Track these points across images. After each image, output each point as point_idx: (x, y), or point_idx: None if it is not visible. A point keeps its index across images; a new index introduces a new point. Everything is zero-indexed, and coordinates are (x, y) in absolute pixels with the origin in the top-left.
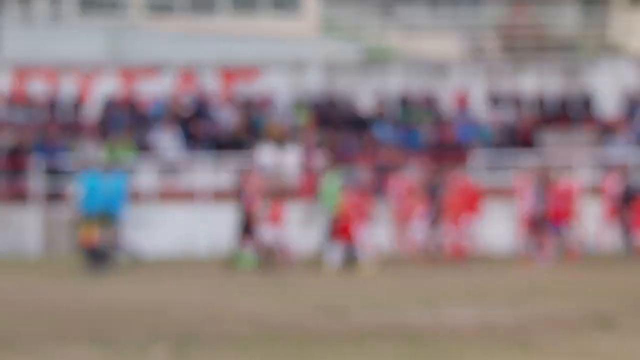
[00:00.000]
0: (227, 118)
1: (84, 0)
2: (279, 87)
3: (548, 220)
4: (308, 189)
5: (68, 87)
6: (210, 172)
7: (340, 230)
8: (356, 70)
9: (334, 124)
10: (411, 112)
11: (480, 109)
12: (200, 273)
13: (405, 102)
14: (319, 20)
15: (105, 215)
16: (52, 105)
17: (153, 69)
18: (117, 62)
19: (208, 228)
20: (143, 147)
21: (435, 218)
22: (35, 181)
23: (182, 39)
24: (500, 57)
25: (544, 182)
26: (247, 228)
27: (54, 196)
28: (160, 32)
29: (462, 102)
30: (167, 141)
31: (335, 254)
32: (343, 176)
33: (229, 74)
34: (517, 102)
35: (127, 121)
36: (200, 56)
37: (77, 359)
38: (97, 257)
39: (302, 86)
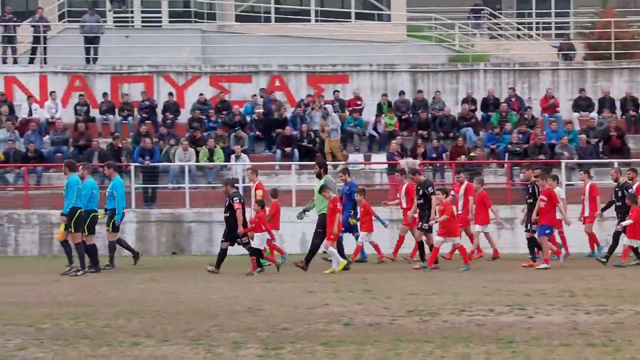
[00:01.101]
0: (316, 122)
1: (177, 7)
2: (367, 91)
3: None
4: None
5: (162, 92)
6: (297, 175)
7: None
8: (444, 74)
9: (422, 127)
10: (499, 115)
11: (568, 112)
12: (287, 273)
13: (493, 106)
14: (407, 25)
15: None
16: (147, 109)
17: (244, 74)
18: (209, 67)
19: (294, 229)
20: (233, 151)
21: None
22: (133, 183)
23: (272, 43)
24: (589, 60)
25: (625, 186)
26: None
27: (149, 197)
28: (251, 37)
29: (551, 106)
30: (257, 144)
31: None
32: (328, 180)
33: (318, 78)
34: (605, 105)
35: (220, 125)
36: (290, 61)
37: (173, 355)
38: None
39: (390, 90)
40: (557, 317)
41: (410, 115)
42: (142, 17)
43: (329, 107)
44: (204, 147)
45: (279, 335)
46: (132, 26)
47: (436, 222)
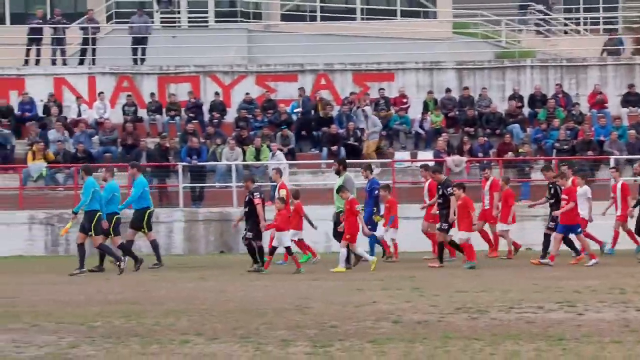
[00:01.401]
0: (361, 120)
1: (223, 7)
2: (413, 89)
3: None
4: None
5: (209, 91)
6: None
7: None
8: (490, 70)
9: (468, 124)
10: (547, 111)
11: (617, 108)
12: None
13: (540, 102)
14: (453, 22)
15: None
16: (194, 109)
17: (290, 73)
18: (255, 66)
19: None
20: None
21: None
22: (180, 182)
23: (318, 42)
24: (637, 55)
25: None
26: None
27: (197, 197)
28: (297, 36)
29: (599, 101)
30: (304, 143)
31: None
32: (346, 179)
33: (364, 76)
34: None
35: (266, 124)
36: (335, 59)
37: (222, 353)
38: None
39: (436, 87)
40: (607, 314)
41: (457, 112)
42: (189, 17)
43: (368, 109)
44: (250, 146)
45: (328, 333)
46: (179, 26)
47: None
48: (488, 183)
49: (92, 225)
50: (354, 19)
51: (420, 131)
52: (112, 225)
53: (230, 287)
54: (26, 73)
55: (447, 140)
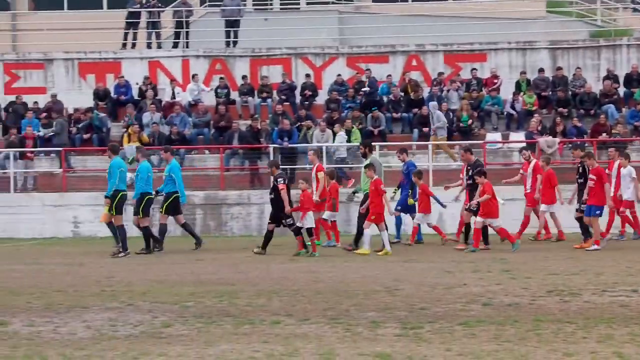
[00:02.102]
0: (453, 102)
1: None
2: (505, 69)
3: None
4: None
5: (300, 73)
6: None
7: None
8: (585, 50)
9: (562, 105)
10: None
11: None
12: (424, 253)
13: (637, 81)
14: (547, 1)
15: None
16: (286, 90)
17: (381, 54)
18: (346, 48)
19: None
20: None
21: None
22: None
23: (409, 23)
24: None
25: None
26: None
27: (288, 178)
28: (388, 17)
29: None
30: (395, 124)
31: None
32: (373, 160)
33: (455, 57)
34: None
35: (357, 105)
36: (427, 40)
37: (313, 334)
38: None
39: (529, 67)
40: None
41: (550, 92)
42: (281, 0)
43: (433, 104)
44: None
45: (418, 315)
46: (271, 9)
47: (478, 203)
48: (531, 165)
49: (114, 204)
50: None
51: (512, 112)
52: (142, 206)
53: (321, 268)
54: (122, 57)
55: (540, 121)
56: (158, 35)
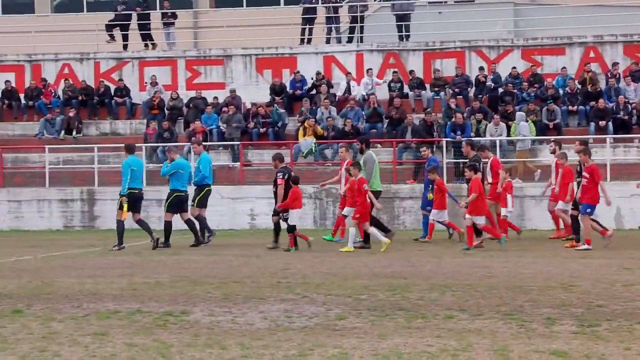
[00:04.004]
0: (633, 95)
1: None
2: None
3: None
4: None
5: (474, 66)
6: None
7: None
8: None
9: None
10: None
11: None
12: (601, 249)
13: None
14: None
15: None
16: (460, 83)
17: (557, 46)
18: (521, 40)
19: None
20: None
21: None
22: (444, 158)
23: (587, 14)
24: None
25: None
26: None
27: (461, 172)
28: (565, 8)
29: None
30: (571, 118)
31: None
32: (366, 158)
33: (636, 48)
34: None
35: (532, 98)
36: (605, 31)
37: (487, 329)
38: None
39: None
40: None
41: None
42: None
43: (521, 114)
44: (515, 122)
45: (595, 312)
46: (445, 2)
47: (466, 203)
48: (554, 161)
49: (127, 202)
50: None
51: None
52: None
53: (495, 263)
54: (298, 52)
55: None
56: (336, 30)
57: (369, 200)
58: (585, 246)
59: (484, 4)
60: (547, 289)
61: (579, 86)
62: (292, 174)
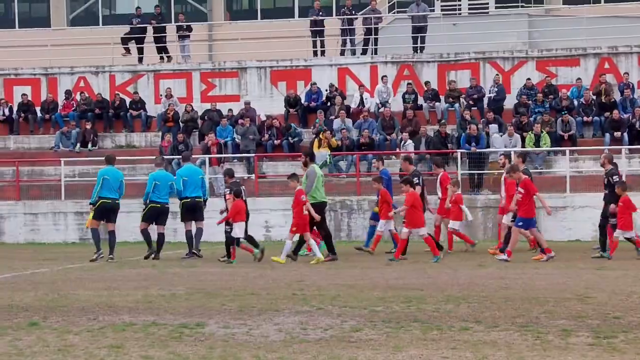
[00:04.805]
0: None
1: None
2: None
3: None
4: None
5: (488, 78)
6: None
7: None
8: None
9: None
10: None
11: None
12: (617, 260)
13: None
14: None
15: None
16: (474, 95)
17: (571, 57)
18: (535, 52)
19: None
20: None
21: None
22: (459, 169)
23: (601, 25)
24: None
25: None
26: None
27: (476, 184)
28: (580, 19)
29: None
30: (585, 129)
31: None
32: (308, 172)
33: None
34: None
35: (547, 109)
36: (620, 42)
37: (502, 341)
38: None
39: None
40: None
41: None
42: (469, 4)
43: (494, 127)
44: (530, 133)
45: (611, 324)
46: (459, 14)
47: (395, 213)
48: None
49: (94, 210)
50: None
51: None
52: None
53: (511, 274)
54: (312, 64)
55: None
56: (351, 42)
57: (306, 212)
58: (505, 257)
59: (498, 15)
60: (563, 300)
61: (594, 97)
62: (241, 188)
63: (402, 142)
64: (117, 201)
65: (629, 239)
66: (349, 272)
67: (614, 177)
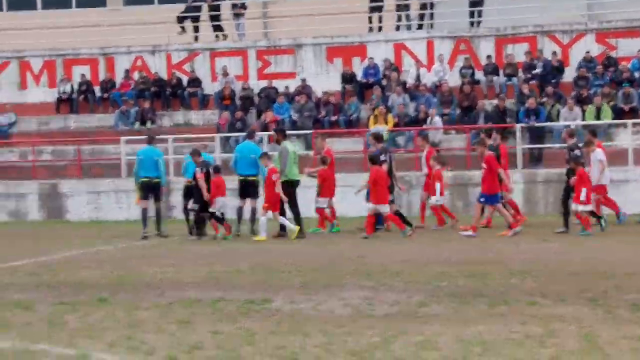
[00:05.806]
0: None
1: None
2: None
3: None
4: None
5: (546, 51)
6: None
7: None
8: None
9: None
10: None
11: None
12: None
13: None
14: None
15: None
16: (529, 68)
17: (632, 29)
18: (595, 24)
19: None
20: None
21: None
22: (518, 144)
23: None
24: None
25: None
26: None
27: (536, 158)
28: None
29: None
30: None
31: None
32: (281, 148)
33: None
34: None
35: (607, 82)
36: None
37: (571, 316)
38: None
39: None
40: None
41: None
42: None
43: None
44: (590, 106)
45: None
46: None
47: (359, 190)
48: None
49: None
50: None
51: None
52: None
53: (574, 249)
54: (368, 40)
55: None
56: (406, 17)
57: (277, 191)
58: (470, 232)
59: None
60: (632, 274)
61: None
62: (216, 165)
63: (430, 118)
64: (155, 180)
65: (590, 213)
66: (409, 247)
67: (574, 152)
